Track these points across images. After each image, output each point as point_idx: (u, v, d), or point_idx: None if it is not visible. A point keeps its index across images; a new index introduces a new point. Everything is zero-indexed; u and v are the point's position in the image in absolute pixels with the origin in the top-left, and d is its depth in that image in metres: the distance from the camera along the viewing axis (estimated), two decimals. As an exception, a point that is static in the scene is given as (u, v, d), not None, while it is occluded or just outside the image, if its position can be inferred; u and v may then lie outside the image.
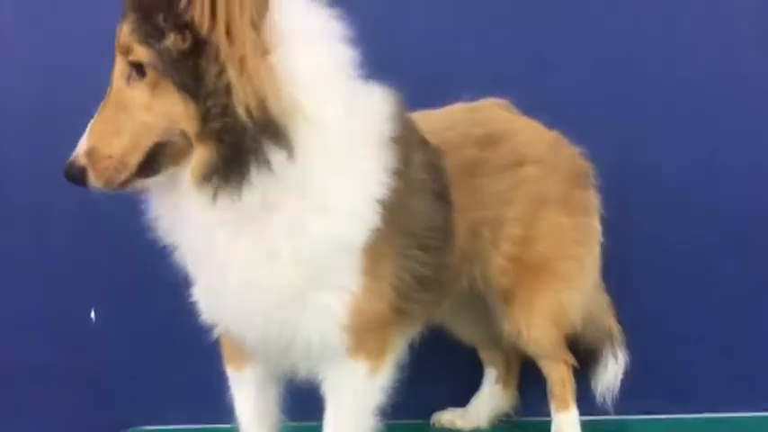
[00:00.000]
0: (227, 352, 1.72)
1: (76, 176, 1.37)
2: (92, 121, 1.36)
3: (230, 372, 1.74)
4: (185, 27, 1.30)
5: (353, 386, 1.61)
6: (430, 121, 1.84)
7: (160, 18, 1.31)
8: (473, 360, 2.19)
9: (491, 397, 2.18)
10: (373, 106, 1.54)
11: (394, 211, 1.53)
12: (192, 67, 1.31)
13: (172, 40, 1.31)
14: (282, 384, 1.74)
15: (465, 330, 2.14)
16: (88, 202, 1.94)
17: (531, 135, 1.93)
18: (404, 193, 1.55)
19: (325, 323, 1.52)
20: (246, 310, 1.51)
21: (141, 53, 1.32)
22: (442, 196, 1.70)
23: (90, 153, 1.36)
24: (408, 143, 1.59)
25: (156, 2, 1.32)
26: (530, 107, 2.01)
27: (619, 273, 2.09)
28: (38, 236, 2.21)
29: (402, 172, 1.53)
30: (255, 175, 1.34)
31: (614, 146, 2.12)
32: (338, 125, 1.41)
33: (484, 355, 2.19)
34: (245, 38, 1.30)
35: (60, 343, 2.22)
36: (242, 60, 1.30)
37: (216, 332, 1.63)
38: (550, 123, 1.99)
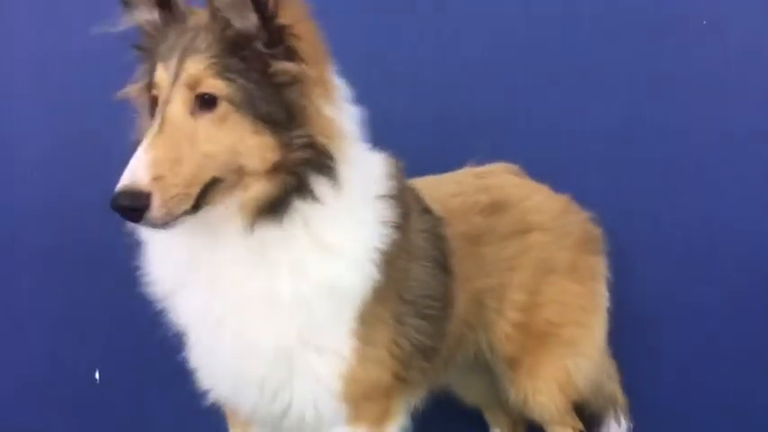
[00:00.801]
0: (230, 416, 1.72)
1: (137, 204, 1.26)
2: (145, 148, 1.29)
3: None
4: (288, 59, 1.37)
5: None
6: (437, 187, 1.86)
7: (252, 48, 1.36)
8: (479, 421, 2.18)
9: (497, 459, 2.18)
10: (375, 169, 1.55)
11: (392, 276, 1.53)
12: (282, 100, 1.36)
13: (276, 72, 1.35)
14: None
15: (470, 392, 2.14)
16: (93, 264, 2.03)
17: (539, 201, 1.93)
18: (403, 258, 1.57)
19: (317, 391, 1.51)
20: (240, 371, 1.51)
21: (218, 86, 1.34)
22: (442, 265, 1.70)
23: (157, 180, 1.28)
24: (407, 210, 1.60)
25: (246, 37, 1.36)
26: (539, 171, 2.02)
27: (623, 336, 2.08)
28: (43, 296, 2.23)
29: (401, 238, 1.54)
30: (300, 206, 1.39)
31: (620, 208, 2.13)
32: (348, 177, 1.45)
33: (489, 416, 2.19)
34: (329, 82, 1.42)
35: (64, 403, 2.23)
36: (326, 98, 1.41)
37: (212, 398, 1.62)
38: (559, 187, 2.00)
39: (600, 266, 1.98)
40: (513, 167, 2.03)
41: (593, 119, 2.19)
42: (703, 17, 2.16)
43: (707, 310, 2.20)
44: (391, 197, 1.54)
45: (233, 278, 1.43)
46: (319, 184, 1.40)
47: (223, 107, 1.35)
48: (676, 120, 2.19)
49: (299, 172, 1.38)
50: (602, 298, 1.97)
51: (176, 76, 1.34)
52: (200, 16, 1.42)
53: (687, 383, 2.22)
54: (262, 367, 1.50)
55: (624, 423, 2.04)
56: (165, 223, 1.31)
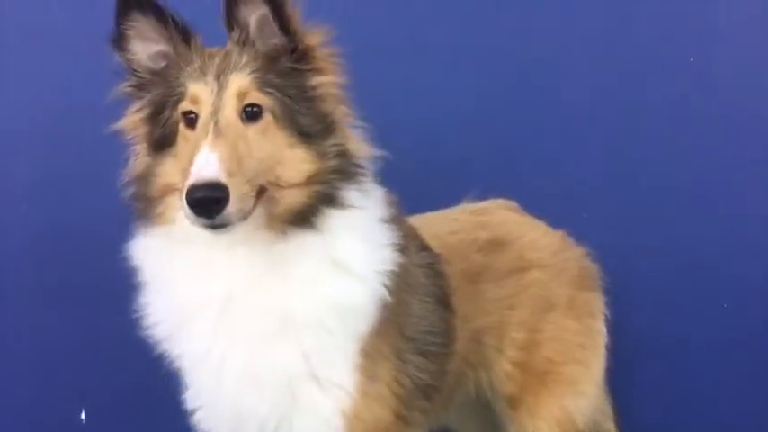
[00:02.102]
0: None
1: (218, 196, 1.30)
2: (209, 148, 1.33)
3: None
4: (315, 74, 1.48)
5: None
6: (434, 224, 1.85)
7: (282, 66, 1.46)
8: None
9: (494, 496, 2.15)
10: (377, 195, 1.56)
11: (393, 309, 1.52)
12: (316, 113, 1.46)
13: (313, 86, 1.46)
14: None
15: (467, 428, 2.11)
16: (79, 302, 1.99)
17: (536, 238, 1.93)
18: (404, 292, 1.56)
19: (317, 427, 1.49)
20: (242, 407, 1.49)
21: (262, 99, 1.44)
22: (443, 302, 1.69)
23: (230, 176, 1.32)
24: (406, 240, 1.59)
25: (278, 50, 1.46)
26: (534, 207, 2.02)
27: (617, 373, 2.07)
28: (29, 336, 2.18)
29: (401, 270, 1.54)
30: (328, 213, 1.44)
31: (614, 242, 2.15)
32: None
33: (486, 453, 2.16)
34: (347, 99, 1.53)
35: None
36: (348, 114, 1.52)
37: None
38: (555, 223, 2.00)
39: (598, 303, 1.98)
40: (511, 204, 2.03)
41: (586, 155, 2.23)
42: (690, 55, 2.23)
43: (701, 347, 2.23)
44: (392, 223, 1.56)
45: (246, 294, 1.44)
46: (349, 192, 1.47)
47: (266, 119, 1.44)
48: (667, 155, 2.24)
49: (331, 181, 1.45)
50: (600, 335, 1.96)
51: (221, 90, 1.42)
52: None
53: (680, 420, 2.23)
54: (264, 402, 1.49)
55: (618, 462, 2.04)
56: (237, 220, 1.35)
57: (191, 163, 1.35)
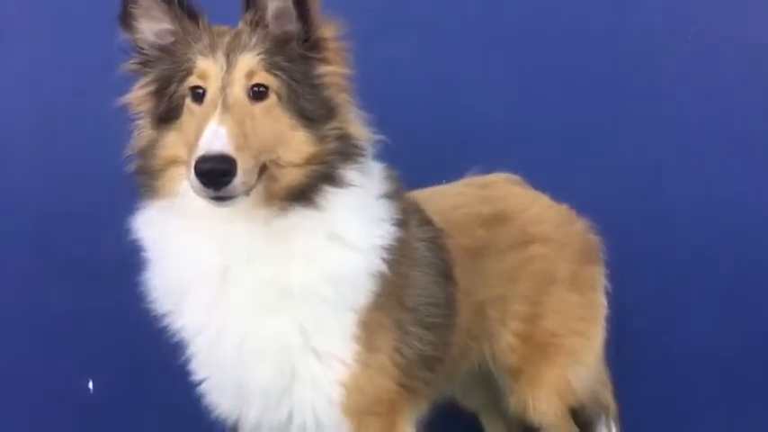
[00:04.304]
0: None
1: (226, 168, 1.33)
2: (217, 122, 1.37)
3: None
4: (323, 63, 1.51)
5: None
6: (438, 199, 1.87)
7: (292, 51, 1.49)
8: (474, 424, 2.21)
9: (492, 462, 2.21)
10: (375, 171, 1.59)
11: (393, 281, 1.55)
12: (320, 98, 1.50)
13: (320, 74, 1.49)
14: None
15: (469, 398, 2.16)
16: (87, 270, 2.02)
17: (539, 212, 1.95)
18: (404, 264, 1.59)
19: (317, 399, 1.53)
20: (243, 379, 1.53)
21: (269, 79, 1.47)
22: (445, 274, 1.72)
23: (238, 149, 1.36)
24: (406, 214, 1.62)
25: (289, 36, 1.49)
26: (539, 180, 2.03)
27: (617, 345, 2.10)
28: (37, 306, 2.21)
29: (401, 242, 1.56)
30: (326, 191, 1.48)
31: (618, 216, 2.17)
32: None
33: (485, 420, 2.21)
34: (351, 87, 1.56)
35: (58, 412, 2.22)
36: (350, 100, 1.55)
37: (217, 414, 1.63)
38: (559, 196, 2.02)
39: (599, 276, 2.01)
40: (514, 177, 2.04)
41: (589, 128, 2.23)
42: (690, 27, 2.23)
43: (701, 320, 2.26)
44: (391, 198, 1.59)
45: (243, 267, 1.47)
46: (348, 172, 1.50)
47: (272, 99, 1.47)
48: (671, 128, 2.24)
49: (330, 161, 1.49)
50: (601, 307, 2.00)
51: (230, 68, 1.45)
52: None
53: (677, 391, 2.28)
54: (264, 373, 1.52)
55: (614, 430, 2.08)
56: (241, 193, 1.39)
57: (197, 136, 1.38)
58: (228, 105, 1.41)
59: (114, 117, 1.58)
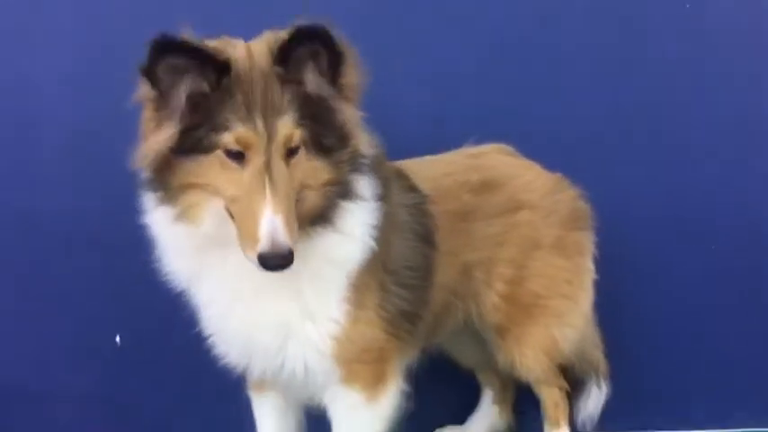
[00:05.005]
0: (248, 375, 1.87)
1: (289, 263, 1.44)
2: (272, 210, 1.42)
3: (253, 395, 1.93)
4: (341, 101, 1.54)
5: (352, 414, 1.76)
6: (429, 167, 1.98)
7: (320, 102, 1.52)
8: (471, 381, 2.33)
9: (488, 416, 2.32)
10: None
11: (378, 249, 1.68)
12: (335, 130, 1.54)
13: (334, 108, 1.54)
14: (300, 408, 1.89)
15: (464, 355, 2.28)
16: (115, 232, 2.10)
17: (528, 180, 2.04)
18: (386, 231, 1.72)
19: (308, 352, 1.68)
20: (248, 341, 1.70)
21: (300, 136, 1.51)
22: (425, 239, 1.84)
23: (292, 231, 1.44)
24: (387, 183, 1.73)
25: (322, 91, 1.52)
26: (532, 150, 2.12)
27: (608, 308, 2.20)
28: (66, 262, 2.33)
29: (384, 211, 1.69)
30: (343, 208, 1.59)
31: (611, 184, 2.25)
32: None
33: (482, 377, 2.32)
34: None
35: (86, 366, 2.36)
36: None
37: (225, 363, 1.79)
38: (553, 166, 2.10)
39: (587, 242, 2.09)
40: (507, 148, 2.12)
41: (584, 99, 2.28)
42: (686, 1, 2.26)
43: (688, 284, 2.33)
44: (374, 167, 1.67)
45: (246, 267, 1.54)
46: (360, 183, 1.61)
47: (301, 151, 1.52)
48: (663, 99, 2.29)
49: (345, 181, 1.58)
50: (588, 272, 2.08)
51: (270, 137, 1.47)
52: (254, 69, 1.50)
53: (668, 350, 2.37)
54: (265, 336, 1.68)
55: (604, 388, 2.17)
56: None
57: (244, 206, 1.46)
58: (276, 184, 1.45)
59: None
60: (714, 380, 2.36)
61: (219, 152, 1.49)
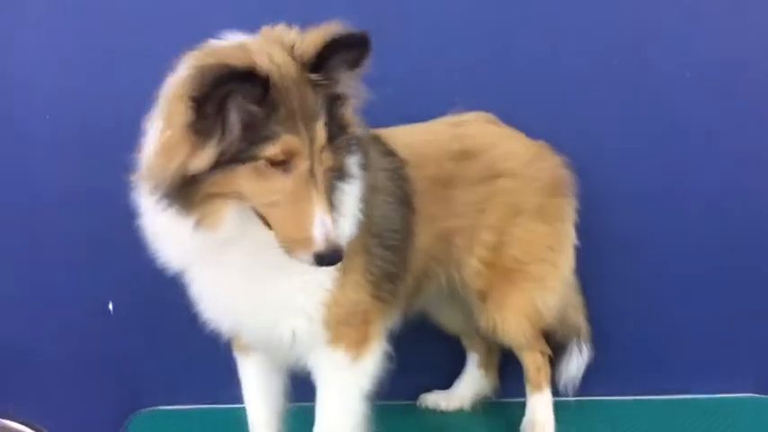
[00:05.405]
0: (235, 339, 1.93)
1: (340, 257, 1.52)
2: (323, 210, 1.48)
3: (238, 356, 1.97)
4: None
5: (337, 375, 1.81)
6: (411, 134, 2.02)
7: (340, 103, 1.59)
8: (457, 347, 2.37)
9: (473, 380, 2.37)
10: None
11: (363, 214, 1.73)
12: (336, 120, 1.58)
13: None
14: (286, 370, 1.93)
15: (449, 320, 2.32)
16: (107, 196, 2.10)
17: (510, 148, 2.07)
18: (370, 197, 1.77)
19: (300, 321, 1.73)
20: (238, 311, 1.75)
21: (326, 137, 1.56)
22: (404, 202, 1.89)
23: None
24: (365, 150, 1.75)
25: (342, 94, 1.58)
26: (515, 118, 2.14)
27: (590, 271, 2.25)
28: (58, 229, 2.35)
29: (367, 182, 1.74)
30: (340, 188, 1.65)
31: (590, 147, 2.26)
32: None
33: (466, 342, 2.36)
34: None
35: (77, 332, 2.39)
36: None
37: (213, 328, 1.83)
38: (535, 134, 2.12)
39: (567, 208, 2.12)
40: (490, 116, 2.14)
41: (567, 64, 2.29)
42: None
43: (671, 248, 2.36)
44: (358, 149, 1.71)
45: (242, 238, 1.58)
46: (353, 163, 1.67)
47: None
48: (649, 62, 2.29)
49: (342, 164, 1.63)
50: (568, 237, 2.12)
51: (311, 141, 1.51)
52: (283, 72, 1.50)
53: (648, 315, 2.40)
54: (257, 311, 1.73)
55: (586, 351, 2.23)
56: None
57: (292, 214, 1.49)
58: (320, 187, 1.51)
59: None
60: (693, 345, 2.40)
61: (260, 162, 1.48)
